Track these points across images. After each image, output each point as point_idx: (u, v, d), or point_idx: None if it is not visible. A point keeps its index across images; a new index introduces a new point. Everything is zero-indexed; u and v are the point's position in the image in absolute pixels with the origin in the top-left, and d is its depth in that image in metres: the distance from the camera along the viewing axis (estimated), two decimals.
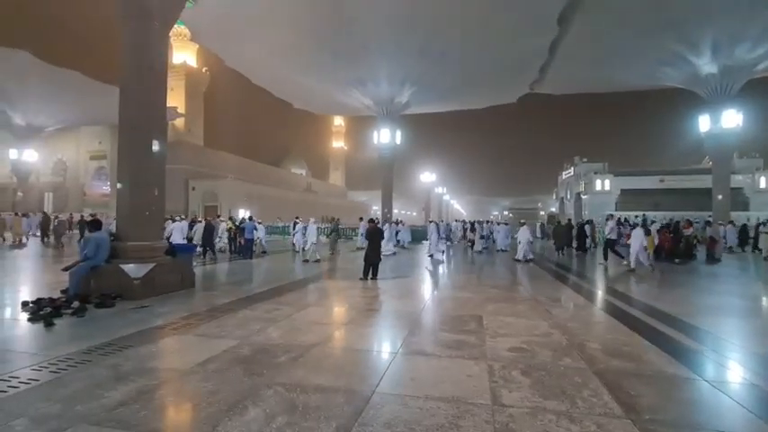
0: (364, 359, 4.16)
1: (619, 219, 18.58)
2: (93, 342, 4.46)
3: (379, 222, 13.63)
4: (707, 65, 20.40)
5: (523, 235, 14.04)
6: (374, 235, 9.70)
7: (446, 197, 65.26)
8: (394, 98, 25.19)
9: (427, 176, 42.14)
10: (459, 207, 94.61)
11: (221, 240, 16.40)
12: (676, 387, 3.47)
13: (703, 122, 22.66)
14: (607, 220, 14.13)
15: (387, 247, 14.37)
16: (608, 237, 13.24)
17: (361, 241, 18.84)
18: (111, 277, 6.86)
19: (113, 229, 7.91)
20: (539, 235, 30.36)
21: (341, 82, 24.62)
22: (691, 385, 3.53)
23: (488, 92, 27.20)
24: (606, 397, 3.19)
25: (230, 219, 17.34)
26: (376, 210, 53.35)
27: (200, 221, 17.24)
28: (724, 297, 7.94)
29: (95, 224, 7.11)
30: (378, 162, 27.89)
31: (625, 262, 12.15)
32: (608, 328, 5.48)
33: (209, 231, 14.85)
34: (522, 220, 17.37)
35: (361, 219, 19.36)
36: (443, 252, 16.56)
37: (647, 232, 16.38)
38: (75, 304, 5.92)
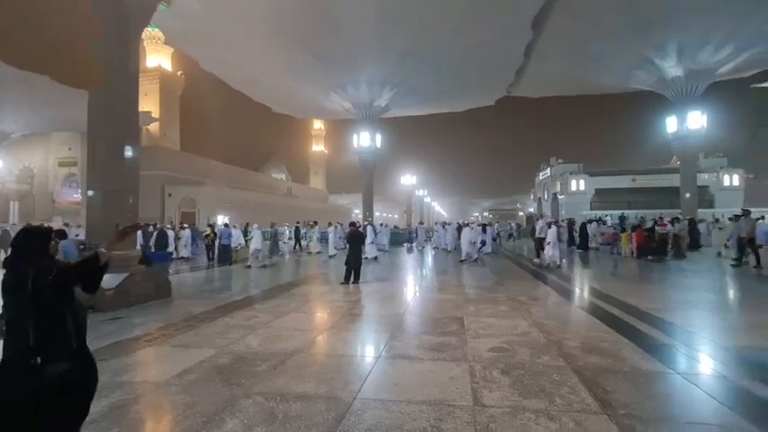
0: (346, 365, 4.13)
1: (567, 220, 19.36)
2: None
3: (360, 226, 13.60)
4: (673, 68, 21.32)
5: (465, 236, 14.54)
6: (355, 239, 9.66)
7: (427, 199, 65.72)
8: (373, 101, 25.27)
9: (408, 179, 42.36)
10: (440, 209, 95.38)
11: (186, 248, 15.98)
12: (651, 381, 3.58)
13: (671, 124, 23.65)
14: (537, 220, 14.71)
15: (367, 249, 14.48)
16: (538, 236, 13.92)
17: (320, 246, 18.71)
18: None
19: (83, 238, 7.61)
20: (514, 234, 31.31)
21: (320, 85, 24.54)
22: (664, 379, 3.64)
23: (467, 95, 27.63)
24: (584, 393, 3.26)
25: (209, 225, 16.95)
26: (357, 213, 53.23)
27: (185, 227, 16.89)
28: (690, 292, 8.25)
29: (59, 234, 6.80)
30: (358, 165, 27.86)
31: (536, 260, 13.00)
32: (584, 324, 5.61)
33: (161, 239, 14.53)
34: (463, 221, 18.35)
35: (330, 224, 19.18)
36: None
37: (623, 230, 16.98)
38: None
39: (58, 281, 2.14)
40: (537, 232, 14.00)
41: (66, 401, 2.03)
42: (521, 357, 4.18)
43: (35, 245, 2.23)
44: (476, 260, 14.05)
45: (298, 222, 23.59)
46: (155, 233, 15.21)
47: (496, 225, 22.78)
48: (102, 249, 2.31)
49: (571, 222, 22.18)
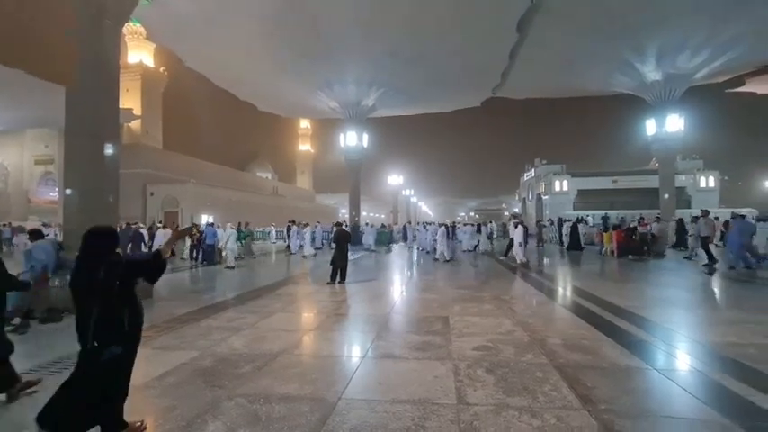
0: (331, 365, 4.10)
1: (551, 220, 19.85)
2: (37, 360, 4.14)
3: (346, 226, 13.56)
4: (652, 72, 21.90)
5: (441, 236, 14.81)
6: (341, 239, 9.63)
7: (414, 199, 65.97)
8: (360, 101, 25.22)
9: (395, 179, 42.44)
10: (427, 209, 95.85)
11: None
12: (630, 377, 3.66)
13: (650, 126, 24.28)
14: (509, 220, 15.02)
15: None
16: (511, 237, 14.32)
17: (294, 246, 18.61)
18: (58, 290, 6.38)
19: (59, 238, 7.39)
20: (496, 235, 31.69)
21: (307, 84, 24.37)
22: (643, 375, 3.73)
23: (454, 95, 27.84)
24: (565, 390, 3.32)
25: (194, 225, 16.63)
26: (344, 213, 53.08)
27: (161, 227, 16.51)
28: (666, 290, 8.49)
29: (35, 234, 6.59)
30: (345, 165, 27.77)
31: (502, 257, 13.37)
32: (566, 322, 5.71)
33: (135, 240, 14.23)
34: (439, 222, 18.71)
35: (306, 223, 19.06)
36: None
37: (605, 230, 17.37)
38: (17, 320, 5.47)
39: (126, 275, 2.60)
40: (510, 234, 14.36)
41: (116, 376, 2.50)
42: (504, 355, 4.23)
43: (102, 243, 2.62)
44: (449, 260, 14.17)
45: (290, 222, 23.46)
46: (130, 233, 14.83)
47: (491, 224, 22.80)
48: (162, 247, 2.84)
49: (560, 222, 22.58)
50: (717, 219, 13.93)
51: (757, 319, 5.72)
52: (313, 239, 18.58)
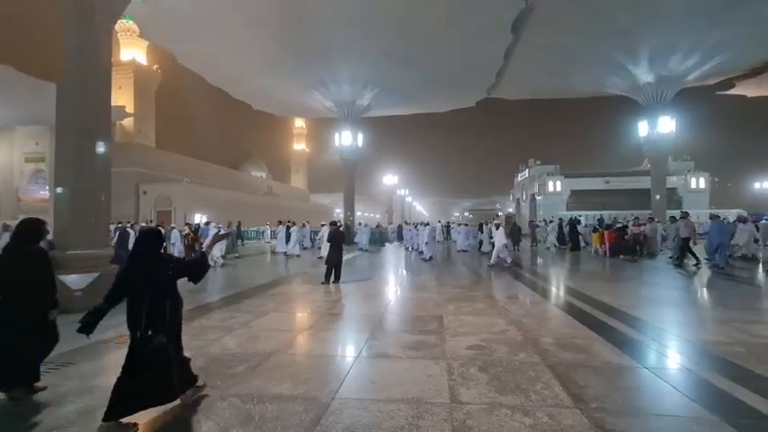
0: (325, 365, 4.10)
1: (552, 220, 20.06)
2: None
3: (341, 225, 13.54)
4: (644, 74, 22.16)
5: (422, 235, 14.88)
6: (336, 238, 9.62)
7: (408, 199, 66.07)
8: (356, 100, 25.21)
9: (390, 179, 42.47)
10: (421, 209, 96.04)
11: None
12: (620, 376, 3.71)
13: (642, 128, 24.57)
14: (494, 219, 15.08)
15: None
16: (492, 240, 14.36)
17: (280, 246, 18.41)
18: None
19: (50, 237, 7.28)
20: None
21: (302, 83, 24.31)
22: (633, 373, 3.78)
23: (449, 96, 27.93)
24: (557, 389, 3.35)
25: (187, 224, 16.54)
26: (339, 212, 52.96)
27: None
28: (657, 290, 8.59)
29: None
30: (340, 165, 27.74)
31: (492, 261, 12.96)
32: (559, 322, 5.75)
33: (122, 239, 14.08)
34: (426, 222, 18.67)
35: (279, 222, 18.92)
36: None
37: (595, 230, 17.53)
38: None
39: (175, 272, 2.91)
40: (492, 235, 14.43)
41: (162, 360, 2.82)
42: (498, 355, 4.25)
43: (154, 242, 2.94)
44: (429, 259, 14.25)
45: (289, 221, 23.52)
46: (117, 233, 14.69)
47: (493, 223, 22.72)
48: (206, 249, 3.26)
49: (561, 223, 22.76)
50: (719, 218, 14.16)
51: (745, 317, 5.81)
52: (302, 239, 18.48)
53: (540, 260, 15.28)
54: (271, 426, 2.77)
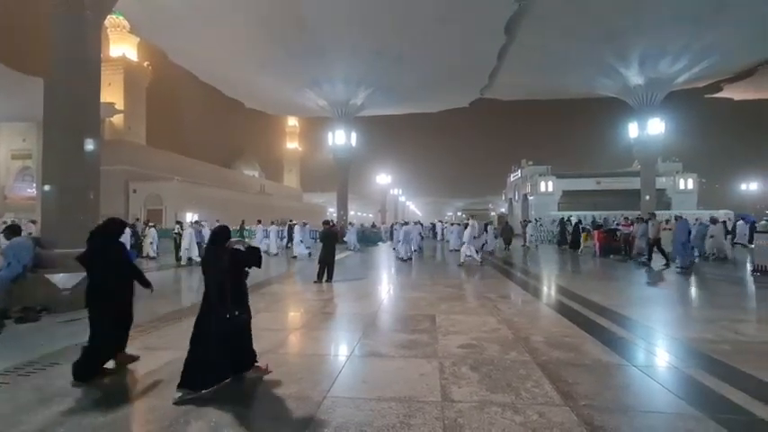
0: (317, 364, 4.09)
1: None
2: (13, 362, 4.02)
3: (334, 225, 13.50)
4: (635, 77, 22.44)
5: (405, 234, 14.51)
6: (328, 238, 9.60)
7: (402, 198, 66.14)
8: (349, 100, 25.17)
9: (383, 178, 42.47)
10: (415, 208, 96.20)
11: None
12: (610, 374, 3.75)
13: (632, 129, 24.88)
14: (468, 219, 15.14)
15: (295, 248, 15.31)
16: (474, 235, 14.35)
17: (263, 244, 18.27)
18: (36, 289, 6.21)
19: (36, 235, 7.18)
20: (476, 234, 31.87)
21: (295, 82, 24.20)
22: (622, 371, 3.83)
23: (442, 96, 28.01)
24: (547, 387, 3.39)
25: (177, 223, 16.33)
26: (332, 212, 52.86)
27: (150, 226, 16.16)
28: (647, 289, 8.73)
29: (13, 230, 6.39)
30: (334, 164, 27.67)
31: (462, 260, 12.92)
32: (549, 320, 5.81)
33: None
34: (405, 221, 18.54)
35: (259, 221, 18.84)
36: None
37: (584, 230, 17.73)
38: None
39: (248, 260, 3.55)
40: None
41: (246, 333, 3.52)
42: (489, 353, 4.28)
43: (224, 235, 3.60)
44: (408, 259, 14.03)
45: (291, 221, 23.65)
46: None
47: (530, 223, 22.55)
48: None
49: (562, 222, 22.93)
50: (697, 220, 14.56)
51: (732, 316, 5.92)
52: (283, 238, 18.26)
53: (531, 259, 15.41)
54: (263, 424, 2.76)
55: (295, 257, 15.21)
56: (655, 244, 12.36)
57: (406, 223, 17.39)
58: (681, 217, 12.78)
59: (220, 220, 19.53)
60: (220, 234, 3.61)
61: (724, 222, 13.72)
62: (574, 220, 24.09)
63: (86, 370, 3.52)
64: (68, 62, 7.17)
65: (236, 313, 3.32)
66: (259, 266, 3.66)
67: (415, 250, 17.66)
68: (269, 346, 4.58)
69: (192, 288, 9.23)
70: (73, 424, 2.81)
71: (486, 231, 19.14)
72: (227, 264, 3.36)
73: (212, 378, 3.25)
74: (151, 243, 15.32)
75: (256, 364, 3.59)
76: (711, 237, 13.59)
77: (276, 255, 16.44)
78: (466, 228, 13.35)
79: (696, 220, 17.66)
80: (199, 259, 13.14)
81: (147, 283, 4.14)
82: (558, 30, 18.99)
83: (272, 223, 18.62)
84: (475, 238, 14.13)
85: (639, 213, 22.56)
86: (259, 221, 18.75)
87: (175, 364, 3.95)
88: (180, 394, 3.11)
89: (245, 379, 3.48)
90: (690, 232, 11.83)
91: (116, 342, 3.83)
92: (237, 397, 3.22)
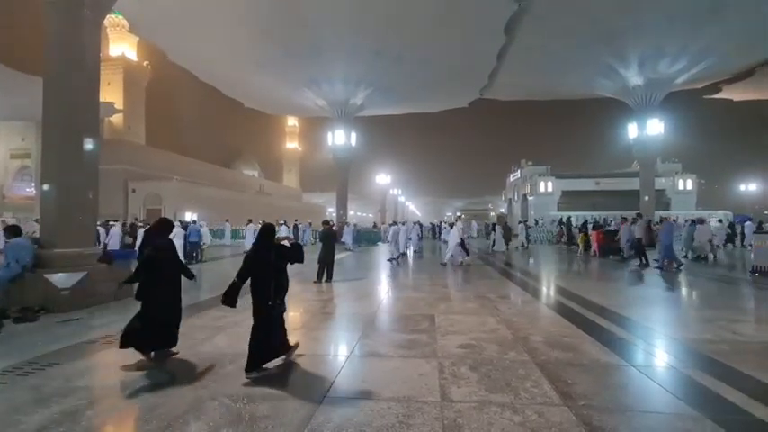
0: (316, 364, 4.09)
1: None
2: (11, 361, 4.01)
3: (334, 225, 13.50)
4: (634, 77, 22.46)
5: (393, 235, 14.47)
6: (327, 237, 9.60)
7: (402, 199, 66.12)
8: (349, 100, 25.16)
9: (383, 178, 42.45)
10: (414, 208, 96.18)
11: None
12: (608, 374, 3.76)
13: (632, 130, 24.90)
14: (457, 220, 15.12)
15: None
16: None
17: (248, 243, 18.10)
18: (34, 289, 6.21)
19: (36, 235, 7.17)
20: (475, 234, 31.85)
21: (294, 82, 24.18)
22: (621, 372, 3.84)
23: (441, 96, 28.00)
24: (546, 387, 3.39)
25: (179, 222, 16.29)
26: (332, 212, 52.85)
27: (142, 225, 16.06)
28: (645, 289, 8.74)
29: (13, 230, 6.38)
30: (333, 164, 27.65)
31: (460, 259, 12.89)
32: (548, 320, 5.81)
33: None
34: (393, 221, 18.40)
35: (249, 221, 18.81)
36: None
37: (580, 230, 17.74)
38: None
39: (292, 256, 4.00)
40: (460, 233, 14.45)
41: (283, 321, 3.97)
42: (488, 353, 4.29)
43: (270, 234, 3.97)
44: (394, 259, 13.92)
45: (296, 221, 23.81)
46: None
47: (521, 223, 22.42)
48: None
49: (569, 222, 22.92)
50: (693, 221, 14.69)
51: (730, 317, 5.93)
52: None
53: (531, 260, 15.43)
54: (262, 425, 2.76)
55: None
56: (638, 242, 12.65)
57: (395, 223, 17.26)
58: (666, 218, 13.02)
59: (220, 219, 19.51)
60: (266, 231, 3.96)
61: (730, 223, 13.92)
62: (574, 221, 24.11)
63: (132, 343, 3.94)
64: (67, 61, 7.16)
65: (277, 302, 3.77)
66: (301, 262, 4.07)
67: (415, 251, 17.65)
68: None
69: (194, 287, 9.20)
70: (72, 420, 2.81)
71: (494, 231, 19.11)
72: (273, 258, 3.79)
73: (270, 357, 3.78)
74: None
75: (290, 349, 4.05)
76: (710, 240, 13.67)
77: None
78: (452, 227, 13.33)
79: (686, 220, 17.83)
80: (184, 260, 13.08)
81: (191, 275, 4.62)
82: (557, 30, 19.00)
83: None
84: (473, 237, 14.10)
85: (637, 212, 22.61)
86: (249, 221, 18.72)
87: (176, 364, 3.97)
88: (254, 375, 3.59)
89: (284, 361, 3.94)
90: (692, 234, 11.98)
91: (166, 334, 4.13)
92: (236, 397, 3.22)
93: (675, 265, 11.27)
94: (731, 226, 21.65)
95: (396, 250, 14.25)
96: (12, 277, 5.98)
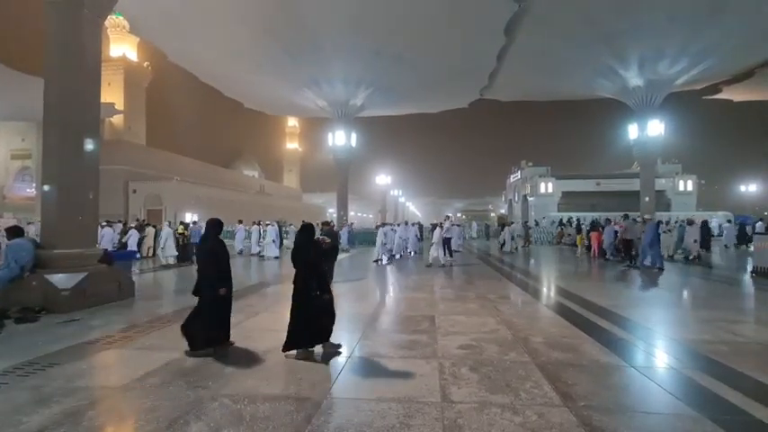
0: (316, 364, 4.09)
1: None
2: (12, 362, 4.02)
3: (334, 226, 13.50)
4: (634, 78, 22.46)
5: (381, 236, 14.31)
6: (328, 237, 9.59)
7: (402, 199, 66.13)
8: (349, 100, 25.16)
9: (383, 179, 42.46)
10: (414, 209, 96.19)
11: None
12: (608, 375, 3.76)
13: (632, 131, 24.90)
14: (444, 221, 15.12)
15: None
16: (444, 235, 14.31)
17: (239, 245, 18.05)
18: (35, 289, 6.21)
19: (36, 236, 7.19)
20: (475, 235, 32.23)
21: (294, 82, 24.19)
22: (621, 372, 3.84)
23: (442, 96, 27.99)
24: (546, 387, 3.39)
25: (181, 223, 16.29)
26: (332, 212, 52.87)
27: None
28: (644, 290, 8.74)
29: (14, 231, 6.40)
30: (333, 164, 27.66)
31: (445, 260, 13.01)
32: (548, 321, 5.81)
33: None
34: (383, 222, 18.40)
35: (240, 221, 18.83)
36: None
37: (578, 231, 17.73)
38: None
39: (325, 253, 4.69)
40: (443, 233, 14.41)
41: (329, 310, 4.30)
42: (488, 354, 4.29)
43: (311, 232, 4.47)
44: (378, 260, 13.87)
45: (303, 222, 23.57)
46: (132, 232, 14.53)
47: (514, 224, 22.21)
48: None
49: (579, 224, 22.87)
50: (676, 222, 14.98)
51: (730, 317, 5.93)
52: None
53: (531, 261, 15.43)
54: (262, 426, 2.76)
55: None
56: (625, 243, 12.84)
57: (383, 224, 17.20)
58: (650, 219, 13.21)
59: (219, 219, 19.51)
60: (308, 229, 4.45)
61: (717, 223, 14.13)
62: (573, 222, 24.13)
63: (196, 343, 4.26)
64: (68, 62, 7.17)
65: (318, 293, 4.13)
66: (335, 258, 4.73)
67: (413, 252, 17.63)
68: (270, 345, 4.58)
69: (191, 289, 9.20)
70: (72, 421, 2.82)
71: (504, 231, 19.07)
72: (313, 254, 4.24)
73: (307, 340, 4.15)
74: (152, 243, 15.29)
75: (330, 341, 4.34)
76: (695, 240, 13.74)
77: (261, 255, 16.23)
78: (435, 228, 13.37)
79: (676, 221, 17.93)
80: (173, 260, 13.07)
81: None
82: (557, 31, 19.01)
83: (255, 224, 18.50)
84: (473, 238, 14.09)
85: (638, 214, 22.60)
86: (240, 221, 18.72)
87: (175, 365, 3.97)
88: (294, 353, 4.11)
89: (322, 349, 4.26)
90: (682, 235, 12.10)
91: (222, 324, 4.47)
92: (236, 397, 3.23)
93: (656, 266, 11.48)
94: (742, 226, 21.66)
95: (383, 251, 14.18)
96: (11, 278, 6.00)
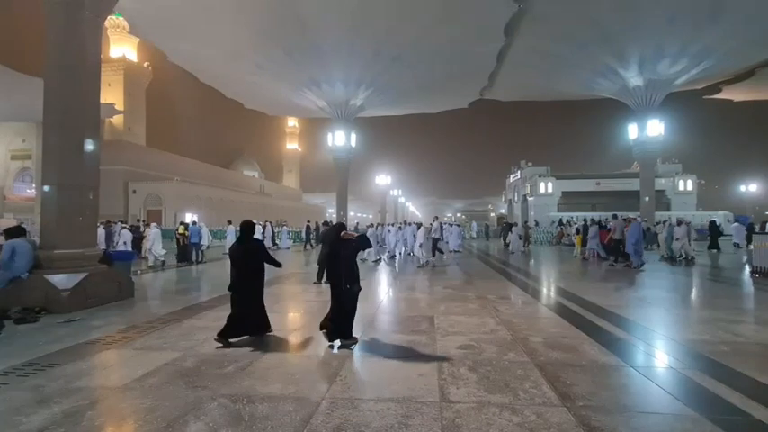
0: (315, 364, 4.09)
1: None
2: (11, 362, 4.02)
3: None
4: (634, 78, 22.48)
5: (371, 236, 13.90)
6: (328, 238, 9.59)
7: (401, 200, 66.14)
8: (349, 100, 25.18)
9: (383, 179, 42.46)
10: (414, 209, 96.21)
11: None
12: (607, 375, 3.76)
13: (632, 131, 24.92)
14: (433, 222, 15.17)
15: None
16: (432, 236, 14.42)
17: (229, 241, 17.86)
18: (35, 289, 6.22)
19: (36, 237, 7.19)
20: (475, 235, 32.13)
21: (294, 83, 24.21)
22: (620, 372, 3.84)
23: (441, 96, 28.03)
24: (545, 387, 3.40)
25: (181, 224, 16.28)
26: (332, 212, 52.86)
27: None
28: (645, 290, 8.74)
29: (12, 231, 6.40)
30: (333, 164, 27.68)
31: (445, 256, 13.32)
32: (547, 321, 5.82)
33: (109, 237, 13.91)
34: (369, 224, 19.05)
35: (229, 222, 18.69)
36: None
37: (577, 231, 17.71)
38: None
39: (356, 248, 4.84)
40: (431, 233, 14.65)
41: (355, 298, 4.65)
42: (487, 354, 4.29)
43: (337, 229, 4.86)
44: (374, 261, 13.91)
45: (308, 222, 23.95)
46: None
47: (517, 225, 22.01)
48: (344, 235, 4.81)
49: (585, 225, 22.90)
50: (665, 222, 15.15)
51: (730, 317, 5.93)
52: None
53: (531, 261, 15.42)
54: (261, 425, 2.77)
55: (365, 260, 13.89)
56: (617, 243, 13.13)
57: (371, 225, 17.19)
58: (634, 219, 13.54)
59: (221, 220, 19.46)
60: (338, 228, 4.87)
61: (688, 224, 14.26)
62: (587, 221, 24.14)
63: (227, 334, 4.62)
64: (68, 62, 7.18)
65: (348, 287, 4.46)
66: (370, 246, 5.59)
67: (410, 253, 17.61)
68: (268, 346, 4.59)
69: (194, 288, 9.23)
70: (72, 421, 2.82)
71: (511, 232, 19.05)
72: (344, 250, 4.55)
73: (337, 333, 4.53)
74: (125, 243, 14.93)
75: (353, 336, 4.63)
76: (677, 239, 13.79)
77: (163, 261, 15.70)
78: (419, 229, 13.47)
79: (664, 222, 18.00)
80: (162, 259, 12.98)
81: (277, 264, 5.34)
82: (557, 31, 19.03)
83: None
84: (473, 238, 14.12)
85: (638, 214, 22.61)
86: (229, 222, 18.67)
87: (175, 365, 3.98)
88: (339, 342, 4.53)
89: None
90: (674, 235, 12.40)
91: (256, 317, 4.90)
92: (235, 397, 3.23)
93: (633, 265, 11.89)
94: (750, 227, 21.66)
95: (376, 252, 14.27)
96: (10, 278, 6.00)
